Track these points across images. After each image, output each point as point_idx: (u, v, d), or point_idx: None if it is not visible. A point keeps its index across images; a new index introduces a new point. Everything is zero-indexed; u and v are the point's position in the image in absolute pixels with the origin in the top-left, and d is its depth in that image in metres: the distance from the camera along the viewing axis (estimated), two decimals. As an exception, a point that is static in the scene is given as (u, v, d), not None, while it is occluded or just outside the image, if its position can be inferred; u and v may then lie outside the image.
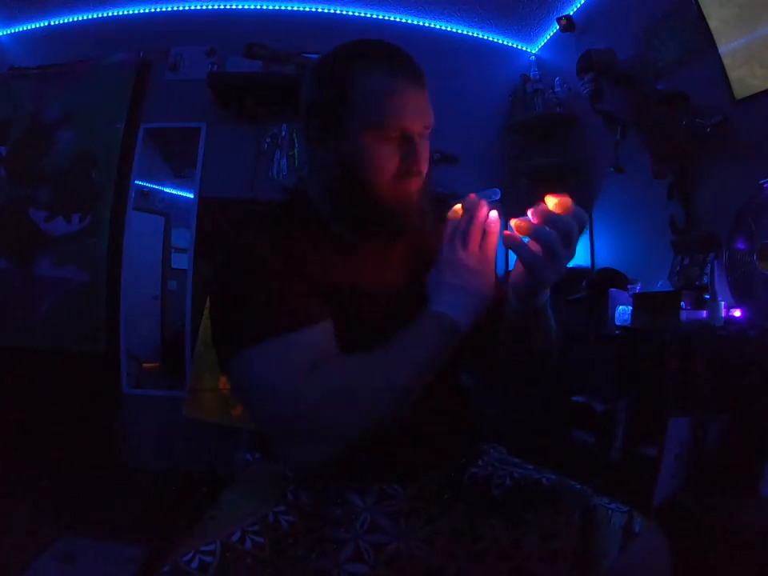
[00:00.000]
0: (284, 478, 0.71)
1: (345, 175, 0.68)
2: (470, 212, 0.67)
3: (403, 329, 0.64)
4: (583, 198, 2.53)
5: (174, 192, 3.11)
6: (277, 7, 2.68)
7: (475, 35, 2.78)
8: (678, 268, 1.84)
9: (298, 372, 0.59)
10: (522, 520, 0.67)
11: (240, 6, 2.67)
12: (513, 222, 0.61)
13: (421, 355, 0.63)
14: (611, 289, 1.83)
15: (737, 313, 1.45)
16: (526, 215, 0.61)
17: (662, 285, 1.78)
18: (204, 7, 2.67)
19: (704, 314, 1.48)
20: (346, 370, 0.62)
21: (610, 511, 0.66)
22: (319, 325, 0.63)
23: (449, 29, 2.75)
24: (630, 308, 1.68)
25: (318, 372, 0.60)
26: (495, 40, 2.80)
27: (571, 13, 2.45)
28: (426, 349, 0.63)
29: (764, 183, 1.43)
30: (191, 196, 2.56)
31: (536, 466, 0.81)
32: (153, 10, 2.68)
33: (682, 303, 1.49)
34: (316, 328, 0.63)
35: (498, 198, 0.67)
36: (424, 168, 0.70)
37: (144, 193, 2.80)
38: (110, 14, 2.69)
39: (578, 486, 0.73)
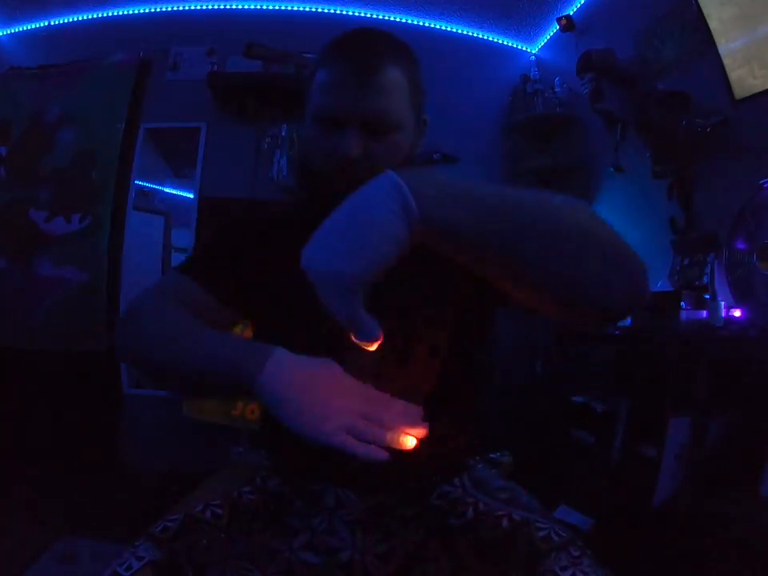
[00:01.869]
0: (260, 467, 0.75)
1: (299, 159, 0.75)
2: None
3: (228, 337, 0.62)
4: (583, 198, 2.53)
5: (174, 192, 3.10)
6: (277, 7, 2.68)
7: (475, 35, 2.78)
8: (678, 268, 1.84)
9: (152, 289, 0.73)
10: (465, 567, 0.61)
11: (240, 6, 2.67)
12: None
13: (205, 366, 0.58)
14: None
15: (737, 313, 1.45)
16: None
17: (661, 285, 1.78)
18: (204, 7, 2.67)
19: (704, 314, 1.48)
20: (167, 322, 0.65)
21: None
22: (209, 295, 0.72)
23: (449, 29, 2.75)
24: (630, 308, 1.67)
25: (160, 301, 0.70)
26: (495, 40, 2.80)
27: (571, 13, 2.45)
28: (215, 366, 0.57)
29: (764, 183, 1.43)
30: (191, 196, 2.56)
31: (527, 478, 0.75)
32: (153, 10, 2.68)
33: (682, 303, 1.49)
34: (204, 293, 0.72)
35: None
36: (366, 164, 0.64)
37: (144, 193, 2.79)
38: (110, 14, 2.69)
39: (543, 533, 0.59)
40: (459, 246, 0.48)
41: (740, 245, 1.48)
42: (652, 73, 1.95)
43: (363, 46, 0.67)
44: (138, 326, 0.68)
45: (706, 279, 1.67)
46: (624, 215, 2.30)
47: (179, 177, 3.05)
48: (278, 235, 0.75)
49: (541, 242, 0.48)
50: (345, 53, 0.67)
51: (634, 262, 0.53)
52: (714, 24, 1.69)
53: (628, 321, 1.67)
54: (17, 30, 2.74)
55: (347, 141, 0.64)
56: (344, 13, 2.70)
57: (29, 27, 2.73)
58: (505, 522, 0.62)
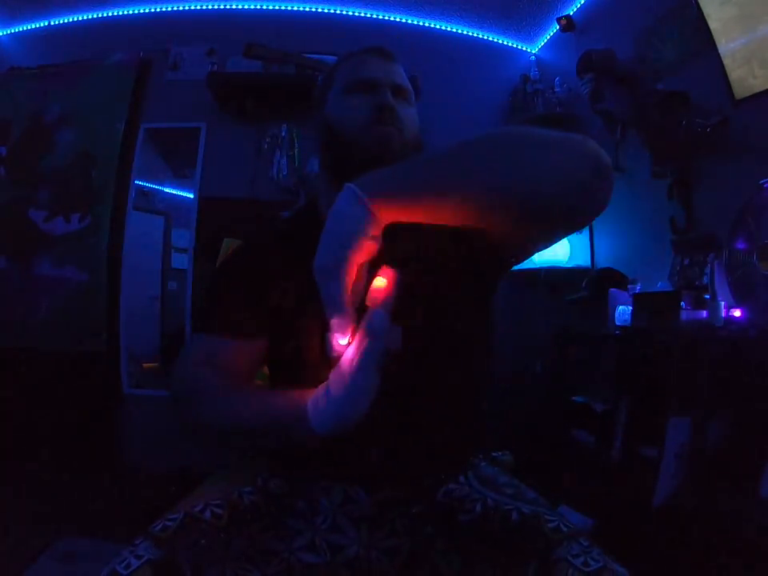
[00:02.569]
0: (261, 468, 0.75)
1: (328, 136, 0.76)
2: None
3: (278, 410, 0.60)
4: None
5: (174, 192, 3.10)
6: (277, 7, 2.68)
7: (475, 35, 2.78)
8: (678, 268, 1.84)
9: (190, 362, 0.73)
10: (478, 559, 0.63)
11: (240, 6, 2.67)
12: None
13: (264, 438, 0.65)
14: (611, 289, 1.83)
15: (737, 313, 1.45)
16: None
17: (662, 285, 1.78)
18: (204, 7, 2.67)
19: (704, 314, 1.48)
20: (215, 394, 0.67)
21: (572, 569, 0.55)
22: (237, 341, 0.73)
23: (449, 29, 2.75)
24: (630, 308, 1.68)
25: (200, 374, 0.70)
26: (495, 40, 2.80)
27: (571, 13, 2.45)
28: (273, 436, 0.63)
29: (764, 183, 1.43)
30: (191, 196, 2.56)
31: (527, 478, 0.76)
32: (153, 10, 2.68)
33: (681, 303, 1.49)
34: (234, 342, 0.73)
35: None
36: (396, 119, 0.73)
37: (144, 193, 2.80)
38: (110, 14, 2.69)
39: (552, 524, 0.61)
40: (413, 205, 0.54)
41: (740, 245, 1.48)
42: (652, 73, 1.95)
43: (379, 46, 0.80)
44: (192, 409, 0.69)
45: (705, 279, 1.67)
46: (624, 215, 2.31)
47: (179, 177, 3.05)
48: (279, 255, 0.77)
49: (476, 164, 0.55)
50: (366, 48, 0.79)
51: (575, 146, 0.57)
52: (713, 24, 1.69)
53: (628, 321, 1.67)
54: (17, 30, 2.74)
55: (386, 95, 0.74)
56: (344, 13, 2.70)
57: (29, 27, 2.73)
58: (514, 515, 0.64)
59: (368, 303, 0.51)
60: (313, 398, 0.55)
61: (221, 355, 0.72)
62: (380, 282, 0.52)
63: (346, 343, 0.51)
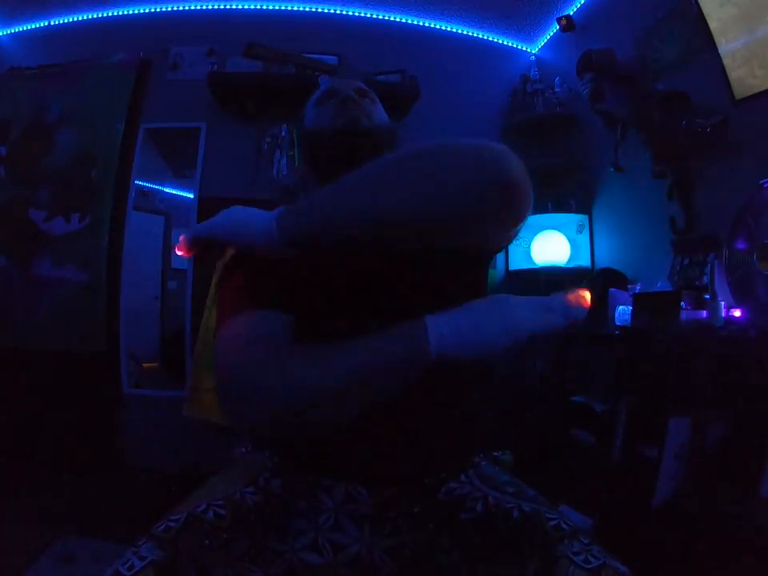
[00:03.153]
0: (263, 467, 0.75)
1: (305, 139, 0.83)
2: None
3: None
4: (583, 197, 2.54)
5: (174, 192, 3.10)
6: (277, 7, 2.68)
7: (475, 35, 2.78)
8: (678, 268, 1.84)
9: (237, 339, 0.62)
10: (479, 556, 0.64)
11: (240, 6, 2.67)
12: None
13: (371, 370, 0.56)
14: (611, 289, 1.83)
15: (737, 313, 1.45)
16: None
17: (662, 285, 1.78)
18: (204, 7, 2.67)
19: (704, 314, 1.48)
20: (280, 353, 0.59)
21: (573, 567, 0.55)
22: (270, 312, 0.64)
23: (449, 29, 2.75)
24: (630, 308, 1.68)
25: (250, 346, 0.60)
26: (495, 40, 2.80)
27: (571, 13, 2.45)
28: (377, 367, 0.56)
29: (764, 183, 1.43)
30: (191, 196, 2.56)
31: (527, 478, 0.76)
32: (153, 10, 2.68)
33: (681, 303, 1.49)
34: (266, 313, 0.64)
35: None
36: (361, 107, 0.80)
37: (144, 193, 2.79)
38: (110, 14, 2.69)
39: (553, 522, 0.62)
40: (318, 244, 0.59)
41: (740, 245, 1.48)
42: (652, 73, 1.95)
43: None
44: (278, 373, 0.57)
45: (705, 279, 1.67)
46: (624, 215, 2.31)
47: (179, 177, 3.05)
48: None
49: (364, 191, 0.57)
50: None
51: (469, 158, 0.56)
52: (714, 24, 1.69)
53: (628, 321, 1.67)
54: (17, 30, 2.74)
55: (349, 92, 0.81)
56: (344, 13, 2.70)
57: (29, 27, 2.73)
58: (516, 513, 0.65)
59: None
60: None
61: (281, 330, 0.63)
62: None
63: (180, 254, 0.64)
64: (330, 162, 0.78)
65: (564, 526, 0.61)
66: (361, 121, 0.78)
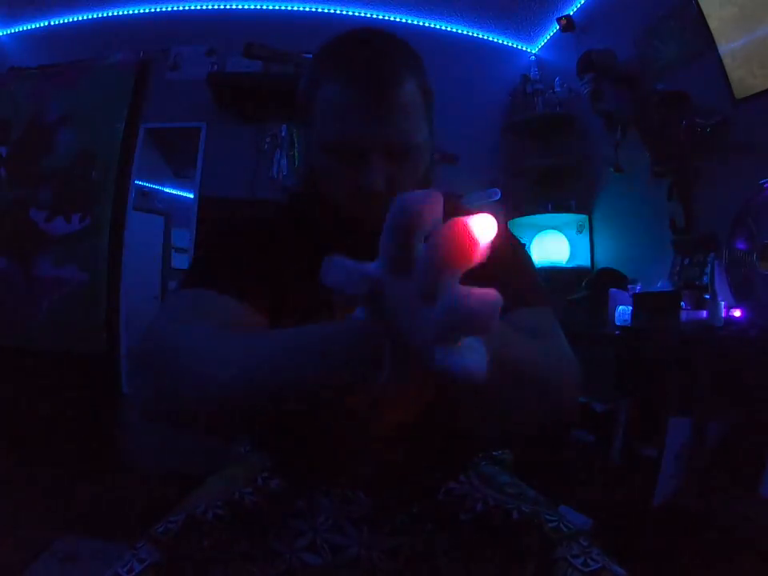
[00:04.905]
0: (262, 467, 0.74)
1: (310, 185, 0.68)
2: None
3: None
4: (583, 197, 2.54)
5: (174, 192, 3.10)
6: (277, 7, 2.68)
7: (475, 35, 2.78)
8: (678, 268, 1.84)
9: (173, 315, 0.58)
10: (478, 557, 0.63)
11: (240, 6, 2.67)
12: None
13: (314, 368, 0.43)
14: (611, 289, 1.83)
15: (737, 313, 1.45)
16: None
17: (662, 285, 1.78)
18: (204, 7, 2.67)
19: (704, 314, 1.48)
20: (216, 334, 0.52)
21: (571, 569, 0.55)
22: (229, 298, 0.59)
23: (449, 29, 2.75)
24: (630, 308, 1.68)
25: (191, 324, 0.54)
26: (495, 40, 2.80)
27: (571, 13, 2.45)
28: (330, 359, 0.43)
29: (764, 183, 1.43)
30: (191, 196, 2.56)
31: (527, 478, 0.76)
32: (153, 10, 2.68)
33: (681, 303, 1.49)
34: (224, 298, 0.59)
35: (497, 197, 0.63)
36: (380, 185, 0.59)
37: (144, 193, 2.79)
38: (110, 14, 2.69)
39: (553, 524, 0.61)
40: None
41: (740, 245, 1.48)
42: (652, 73, 1.95)
43: (375, 57, 0.59)
44: (179, 358, 0.50)
45: (705, 279, 1.67)
46: (624, 215, 2.31)
47: (179, 177, 3.05)
48: (285, 231, 0.72)
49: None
50: (355, 65, 0.58)
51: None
52: (714, 24, 1.69)
53: (628, 321, 1.68)
54: (17, 30, 2.74)
55: (373, 176, 0.59)
56: (344, 13, 2.70)
57: (29, 27, 2.73)
58: (515, 515, 0.64)
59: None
60: None
61: (220, 312, 0.57)
62: None
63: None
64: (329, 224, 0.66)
65: (563, 527, 0.61)
66: (380, 211, 0.43)
